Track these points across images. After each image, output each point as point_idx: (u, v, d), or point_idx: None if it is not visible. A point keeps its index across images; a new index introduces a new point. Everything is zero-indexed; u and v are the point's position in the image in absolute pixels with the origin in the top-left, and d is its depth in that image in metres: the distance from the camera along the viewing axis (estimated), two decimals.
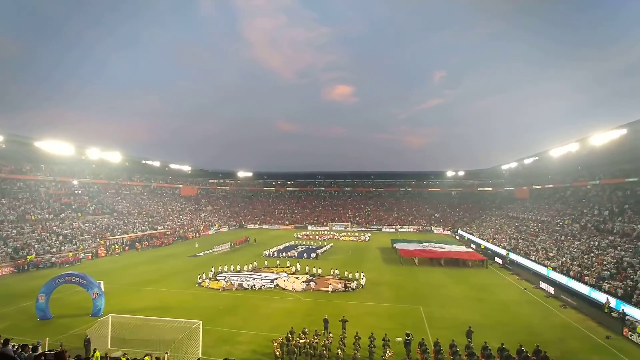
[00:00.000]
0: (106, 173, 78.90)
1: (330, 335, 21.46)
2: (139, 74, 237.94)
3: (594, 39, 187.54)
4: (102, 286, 27.46)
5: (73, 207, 62.73)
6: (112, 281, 34.93)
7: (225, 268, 41.49)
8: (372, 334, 20.65)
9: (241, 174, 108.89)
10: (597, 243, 39.35)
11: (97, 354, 16.47)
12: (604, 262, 34.14)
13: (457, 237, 76.39)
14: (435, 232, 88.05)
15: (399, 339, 20.85)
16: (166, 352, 17.42)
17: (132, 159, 71.36)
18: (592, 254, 37.25)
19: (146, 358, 15.86)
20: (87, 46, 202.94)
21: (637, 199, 45.45)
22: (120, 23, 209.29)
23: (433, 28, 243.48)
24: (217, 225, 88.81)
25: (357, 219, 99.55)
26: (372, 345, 19.56)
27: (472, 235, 71.24)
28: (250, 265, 43.17)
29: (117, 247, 55.33)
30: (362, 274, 37.22)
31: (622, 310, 25.95)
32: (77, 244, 51.37)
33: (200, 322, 19.98)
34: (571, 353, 20.94)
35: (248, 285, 34.67)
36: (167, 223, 75.44)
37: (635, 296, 26.50)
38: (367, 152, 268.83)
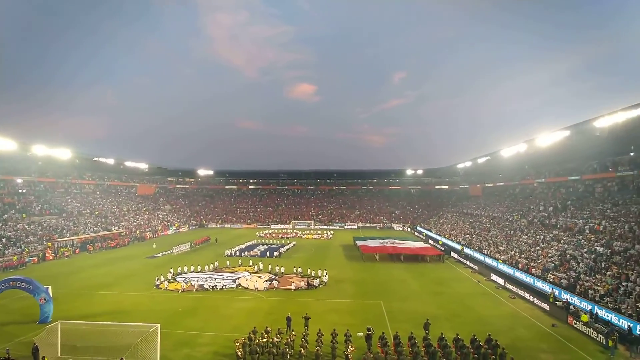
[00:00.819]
0: (54, 171, 74.09)
1: (293, 333, 21.54)
2: (92, 67, 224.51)
3: (551, 42, 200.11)
4: (50, 291, 25.86)
5: (17, 207, 58.42)
6: (61, 286, 32.89)
7: (185, 269, 40.37)
8: (334, 330, 20.96)
9: (202, 172, 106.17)
10: (542, 237, 42.19)
11: None
12: (549, 255, 36.70)
13: (416, 234, 78.92)
14: (395, 228, 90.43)
15: (361, 334, 21.32)
16: (121, 358, 16.76)
17: (83, 156, 67.54)
18: (538, 247, 39.90)
19: None
20: (35, 35, 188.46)
21: (579, 196, 49.19)
22: (72, 12, 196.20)
23: (393, 30, 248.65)
24: (176, 225, 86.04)
25: (319, 217, 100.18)
26: (334, 341, 19.84)
27: (430, 231, 73.96)
28: (212, 266, 42.26)
29: (66, 249, 52.14)
30: (325, 272, 37.59)
31: (566, 299, 28.02)
32: (22, 247, 47.89)
33: (158, 325, 19.32)
34: (520, 341, 22.33)
35: (209, 286, 33.95)
36: (122, 223, 72.07)
37: (578, 286, 28.72)
38: (329, 150, 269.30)
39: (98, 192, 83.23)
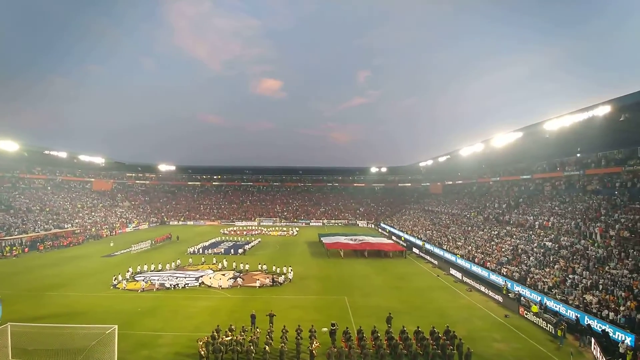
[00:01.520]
0: None
1: (258, 330, 21.44)
2: (42, 54, 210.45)
3: (515, 43, 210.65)
4: None
5: None
6: (8, 286, 30.88)
7: (145, 267, 39.02)
8: (299, 326, 21.11)
9: (163, 167, 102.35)
10: (497, 232, 44.49)
11: None
12: (503, 250, 38.77)
13: (380, 230, 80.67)
14: (360, 225, 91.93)
15: (325, 329, 21.60)
16: None
17: (31, 149, 63.05)
18: (493, 243, 42.04)
19: None
20: None
21: (530, 194, 52.21)
22: None
23: (359, 29, 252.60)
24: (135, 222, 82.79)
25: (285, 213, 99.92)
26: (299, 337, 19.98)
27: (393, 227, 75.85)
28: (173, 264, 41.15)
29: (14, 248, 48.83)
30: (290, 268, 37.63)
31: (518, 291, 29.76)
32: None
33: (116, 326, 18.61)
34: (475, 331, 23.52)
35: (170, 285, 33.03)
36: (76, 221, 68.40)
37: (528, 279, 30.56)
38: (294, 147, 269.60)
39: (49, 188, 78.44)
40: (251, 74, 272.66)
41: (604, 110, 26.72)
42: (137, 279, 35.25)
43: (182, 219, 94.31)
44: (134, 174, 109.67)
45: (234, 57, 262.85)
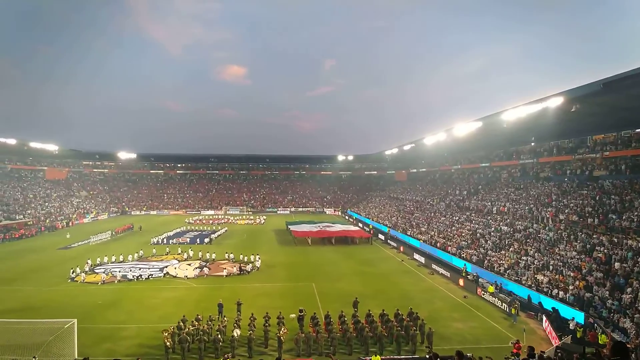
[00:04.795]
0: None
1: (225, 319, 21.39)
2: None
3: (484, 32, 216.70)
4: None
5: None
6: None
7: (106, 259, 37.61)
8: (267, 313, 21.24)
9: (123, 155, 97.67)
10: (457, 218, 46.39)
11: None
12: (462, 234, 40.55)
13: (347, 217, 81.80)
14: (327, 213, 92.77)
15: (293, 315, 21.86)
16: (34, 357, 15.37)
17: None
18: (453, 228, 43.85)
19: None
20: None
21: (488, 181, 54.65)
22: None
23: (324, 16, 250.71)
24: (94, 213, 79.16)
25: (252, 202, 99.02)
26: (267, 324, 20.14)
27: (360, 215, 77.17)
28: (136, 255, 39.92)
29: None
30: (257, 257, 37.56)
31: (476, 273, 31.36)
32: None
33: (75, 320, 17.98)
34: (436, 312, 24.69)
35: (133, 276, 32.10)
36: (29, 212, 64.43)
37: (486, 261, 32.24)
38: (259, 136, 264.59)
39: None
40: (214, 59, 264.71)
41: (557, 101, 28.20)
42: (96, 271, 33.94)
43: (144, 209, 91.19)
44: (91, 162, 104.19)
45: (195, 40, 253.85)
